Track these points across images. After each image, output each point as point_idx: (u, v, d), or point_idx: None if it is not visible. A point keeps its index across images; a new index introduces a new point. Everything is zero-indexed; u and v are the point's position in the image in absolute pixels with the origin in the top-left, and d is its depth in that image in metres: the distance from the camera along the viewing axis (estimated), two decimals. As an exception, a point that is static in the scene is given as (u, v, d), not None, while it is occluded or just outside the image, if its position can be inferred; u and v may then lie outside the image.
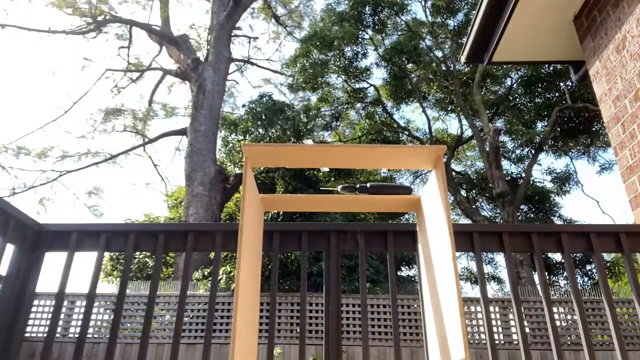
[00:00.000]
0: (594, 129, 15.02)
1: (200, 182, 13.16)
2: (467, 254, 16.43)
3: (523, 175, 16.17)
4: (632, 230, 2.11)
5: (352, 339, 8.75)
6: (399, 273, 14.36)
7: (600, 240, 2.07)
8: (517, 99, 16.27)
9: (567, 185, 16.50)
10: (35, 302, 9.05)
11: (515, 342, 8.68)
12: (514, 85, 16.18)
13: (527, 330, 8.74)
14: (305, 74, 15.75)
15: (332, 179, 15.65)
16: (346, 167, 1.94)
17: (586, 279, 15.53)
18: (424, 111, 16.79)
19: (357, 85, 17.40)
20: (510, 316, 9.00)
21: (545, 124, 15.53)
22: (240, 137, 14.78)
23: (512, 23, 3.20)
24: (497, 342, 8.70)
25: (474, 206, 16.58)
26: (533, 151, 15.85)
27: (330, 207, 1.98)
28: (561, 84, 14.85)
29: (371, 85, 17.31)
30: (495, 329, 8.92)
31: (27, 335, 8.73)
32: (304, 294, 2.13)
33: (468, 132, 16.71)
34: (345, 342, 8.57)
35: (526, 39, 3.43)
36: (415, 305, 9.25)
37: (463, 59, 3.78)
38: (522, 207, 16.16)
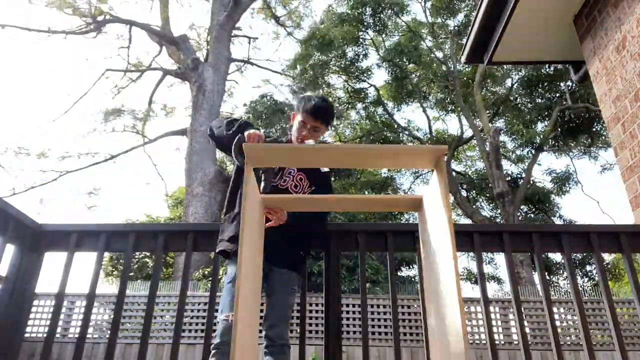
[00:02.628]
0: (594, 129, 15.02)
1: (200, 182, 13.16)
2: (467, 254, 16.42)
3: (523, 175, 16.17)
4: (633, 230, 2.11)
5: (352, 339, 8.74)
6: (399, 273, 14.36)
7: (600, 241, 2.07)
8: (518, 99, 16.27)
9: (567, 185, 16.49)
10: (35, 302, 9.04)
11: (515, 343, 8.67)
12: (515, 86, 16.18)
13: (527, 330, 8.73)
14: (306, 76, 15.75)
15: (332, 179, 15.63)
16: (347, 167, 1.94)
17: (586, 279, 15.53)
18: (424, 111, 16.79)
19: (357, 86, 17.40)
20: (511, 316, 8.99)
21: (546, 124, 15.53)
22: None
23: (512, 23, 3.19)
24: (497, 342, 8.70)
25: (474, 206, 16.57)
26: (533, 151, 15.85)
27: (330, 207, 1.98)
28: (562, 84, 14.86)
29: (372, 85, 17.32)
30: (495, 329, 8.91)
31: (27, 335, 8.71)
32: (304, 294, 2.13)
33: (468, 132, 16.72)
34: (345, 342, 8.56)
35: (526, 39, 3.43)
36: (416, 306, 9.25)
37: (463, 58, 3.78)
38: (522, 207, 16.16)
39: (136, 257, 12.46)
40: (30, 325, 8.92)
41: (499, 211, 14.38)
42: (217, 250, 2.04)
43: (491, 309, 8.37)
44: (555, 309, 9.05)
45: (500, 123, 16.70)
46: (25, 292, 2.02)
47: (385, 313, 9.08)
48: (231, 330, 1.63)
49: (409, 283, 13.28)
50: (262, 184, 1.86)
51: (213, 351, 1.85)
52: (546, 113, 15.25)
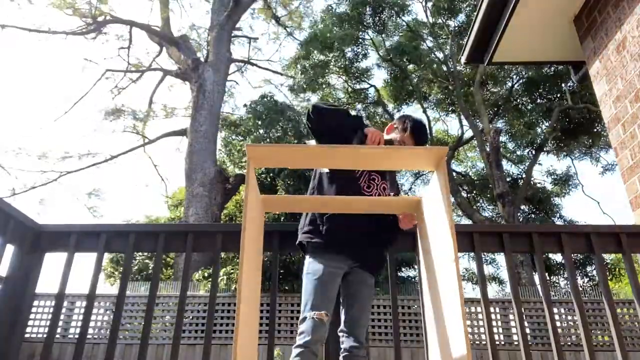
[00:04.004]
0: (595, 130, 15.01)
1: (200, 182, 13.16)
2: (467, 255, 16.40)
3: (523, 175, 16.16)
4: (633, 230, 2.11)
5: (353, 340, 8.73)
6: (399, 273, 14.36)
7: (600, 241, 2.07)
8: (518, 100, 16.26)
9: (567, 186, 16.49)
10: (35, 303, 9.04)
11: (516, 343, 8.67)
12: (515, 86, 16.17)
13: (527, 330, 8.72)
14: (306, 75, 15.74)
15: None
16: (348, 167, 1.94)
17: (586, 279, 15.52)
18: (424, 112, 16.78)
19: (357, 86, 17.39)
20: (511, 317, 8.99)
21: (546, 124, 15.52)
22: (241, 138, 14.77)
23: (512, 23, 3.19)
24: (497, 342, 8.69)
25: (474, 206, 16.57)
26: (534, 152, 15.84)
27: (330, 209, 1.98)
28: (562, 84, 14.85)
29: (372, 85, 17.31)
30: (495, 330, 8.91)
31: (27, 335, 8.71)
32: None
33: (469, 133, 16.72)
34: (345, 343, 8.54)
35: (526, 40, 3.43)
36: (416, 306, 9.24)
37: (463, 59, 3.78)
38: (522, 207, 16.15)
39: (137, 257, 12.46)
40: (30, 326, 8.92)
41: (499, 212, 14.36)
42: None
43: (491, 309, 8.38)
44: (555, 309, 9.05)
45: (500, 124, 16.70)
46: (25, 292, 2.01)
47: (385, 314, 9.08)
48: (321, 329, 1.72)
49: (409, 283, 13.27)
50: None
51: (300, 350, 1.71)
52: (547, 114, 15.24)
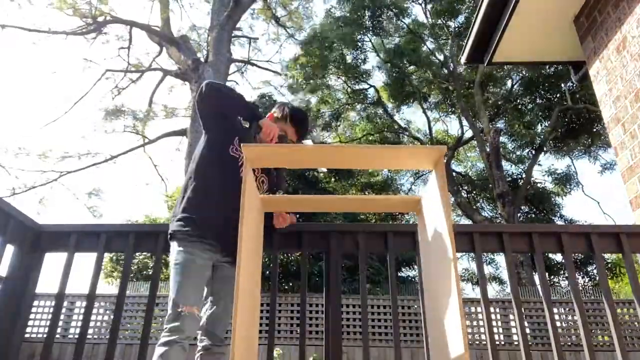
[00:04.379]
0: (594, 130, 15.02)
1: (201, 182, 13.11)
2: (467, 255, 16.40)
3: (523, 175, 16.17)
4: (633, 231, 2.11)
5: (352, 339, 8.73)
6: (399, 274, 14.35)
7: (600, 241, 2.07)
8: (518, 100, 16.26)
9: (567, 186, 16.49)
10: (35, 303, 9.03)
11: (516, 343, 8.67)
12: (515, 86, 16.17)
13: (527, 330, 8.70)
14: (305, 74, 15.74)
15: (332, 179, 15.64)
16: (346, 167, 1.94)
17: (587, 279, 15.52)
18: (424, 112, 16.77)
19: (357, 87, 17.39)
20: (511, 317, 8.98)
21: (546, 124, 15.53)
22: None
23: (513, 23, 3.19)
24: (497, 342, 8.69)
25: (474, 207, 16.57)
26: (533, 152, 15.85)
27: (330, 208, 1.98)
28: (562, 85, 14.85)
29: (371, 86, 17.31)
30: (495, 330, 8.90)
31: (27, 335, 8.71)
32: (304, 294, 2.12)
33: (469, 133, 16.71)
34: (345, 343, 8.55)
35: (526, 40, 3.43)
36: (416, 306, 9.24)
37: (463, 59, 3.78)
38: (522, 207, 16.15)
39: (136, 257, 12.46)
40: (30, 326, 8.91)
41: (499, 212, 14.36)
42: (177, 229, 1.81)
43: (492, 309, 8.37)
44: (555, 309, 9.04)
45: (500, 124, 16.70)
46: (25, 292, 2.02)
47: (385, 313, 9.08)
48: (198, 323, 1.69)
49: (409, 283, 13.26)
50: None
51: (167, 347, 1.59)
52: (546, 114, 15.24)
